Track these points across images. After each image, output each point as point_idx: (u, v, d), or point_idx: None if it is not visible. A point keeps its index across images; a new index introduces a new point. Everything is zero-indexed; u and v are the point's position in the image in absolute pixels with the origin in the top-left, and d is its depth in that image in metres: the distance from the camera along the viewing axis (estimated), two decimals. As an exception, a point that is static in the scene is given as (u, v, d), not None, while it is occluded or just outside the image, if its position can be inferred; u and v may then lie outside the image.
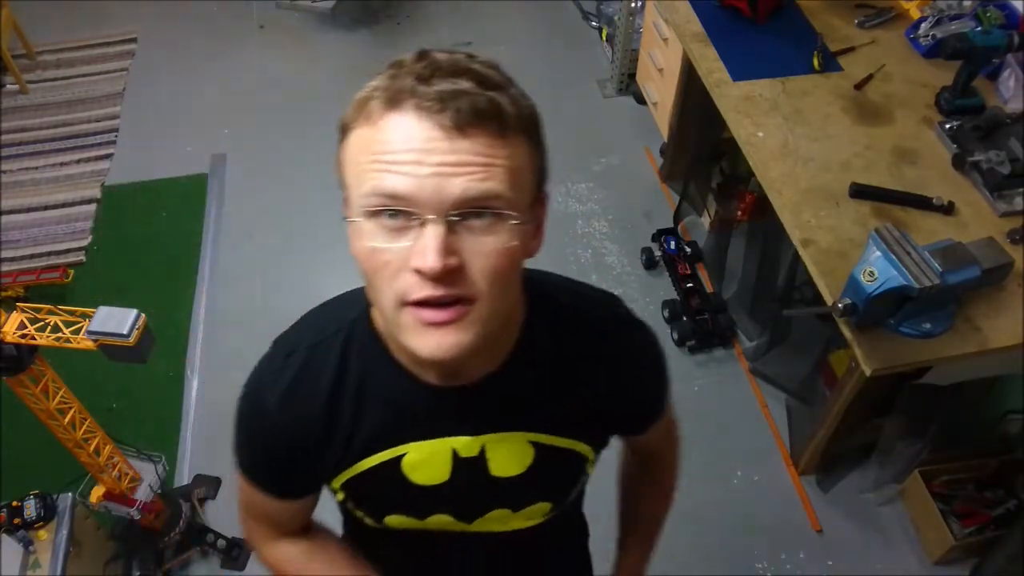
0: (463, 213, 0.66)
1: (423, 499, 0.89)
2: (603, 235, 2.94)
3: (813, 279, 1.85)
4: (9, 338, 1.66)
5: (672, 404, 1.08)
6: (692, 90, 2.61)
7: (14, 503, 1.92)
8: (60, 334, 1.68)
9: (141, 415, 2.49)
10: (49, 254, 2.93)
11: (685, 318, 2.62)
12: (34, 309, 1.70)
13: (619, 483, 1.25)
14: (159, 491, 2.10)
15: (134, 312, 1.66)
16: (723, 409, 2.48)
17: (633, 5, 3.14)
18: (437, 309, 0.68)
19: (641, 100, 3.30)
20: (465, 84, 0.67)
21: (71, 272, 2.82)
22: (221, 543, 2.19)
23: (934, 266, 1.61)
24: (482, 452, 0.86)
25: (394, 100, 0.67)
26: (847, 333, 1.73)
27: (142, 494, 2.04)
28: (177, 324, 2.71)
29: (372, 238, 0.68)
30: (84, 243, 2.95)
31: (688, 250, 2.79)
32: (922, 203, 1.92)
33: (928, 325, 1.71)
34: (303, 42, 3.74)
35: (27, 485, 1.99)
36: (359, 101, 0.70)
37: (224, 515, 2.27)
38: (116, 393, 2.49)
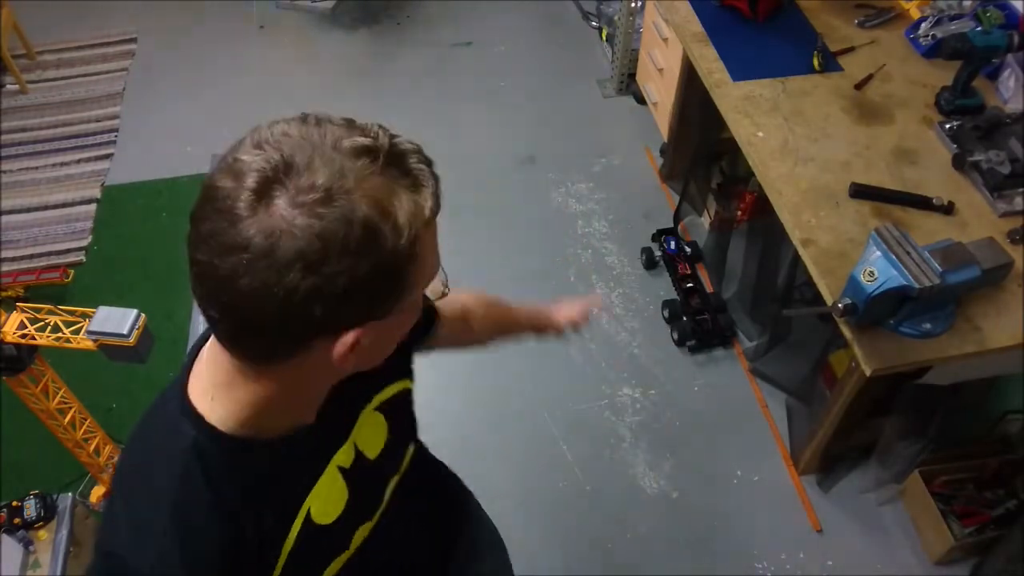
0: None
1: (342, 530, 0.89)
2: (603, 235, 2.94)
3: (813, 279, 1.85)
4: (9, 338, 1.66)
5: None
6: (692, 90, 2.61)
7: (14, 503, 1.93)
8: (60, 334, 1.68)
9: (141, 415, 2.49)
10: (49, 254, 2.93)
11: (685, 318, 2.62)
12: (34, 309, 1.71)
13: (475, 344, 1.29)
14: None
15: (134, 312, 1.66)
16: (723, 409, 2.49)
17: (633, 5, 3.14)
18: None
19: (641, 100, 3.30)
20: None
21: (71, 272, 2.82)
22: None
23: (934, 266, 1.61)
24: (356, 449, 0.90)
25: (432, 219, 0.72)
26: (847, 333, 1.73)
27: (142, 494, 2.04)
28: (177, 324, 2.71)
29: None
30: (84, 243, 2.96)
31: (688, 250, 2.79)
32: (922, 203, 1.92)
33: (928, 325, 1.71)
34: (303, 42, 3.74)
35: (27, 485, 1.99)
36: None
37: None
38: (116, 393, 2.49)
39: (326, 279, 0.62)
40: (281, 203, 0.61)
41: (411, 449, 1.02)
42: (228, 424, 0.76)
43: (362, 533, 0.95)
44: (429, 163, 0.70)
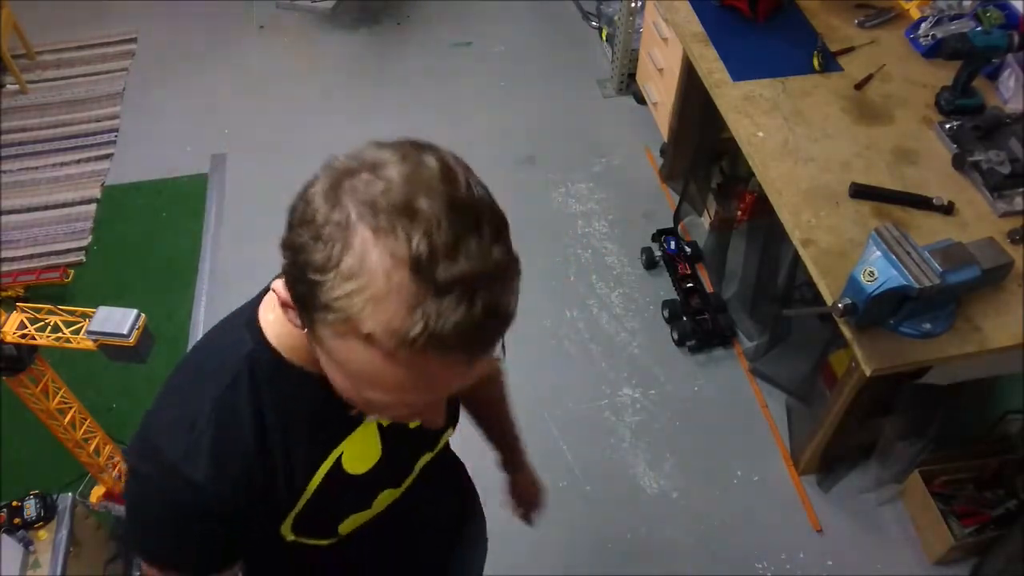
0: None
1: (367, 486, 0.90)
2: (603, 235, 2.94)
3: (813, 279, 1.85)
4: (9, 338, 1.66)
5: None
6: (692, 90, 2.61)
7: (14, 503, 1.92)
8: (60, 334, 1.68)
9: (141, 415, 2.49)
10: (49, 254, 2.93)
11: (685, 318, 2.62)
12: (34, 309, 1.71)
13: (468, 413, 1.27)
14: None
15: (134, 312, 1.66)
16: (723, 409, 2.49)
17: (633, 5, 3.14)
18: None
19: (641, 100, 3.30)
20: (500, 324, 0.62)
21: (71, 272, 2.82)
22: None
23: (934, 266, 1.61)
24: None
25: (442, 346, 0.59)
26: (847, 333, 1.73)
27: (142, 494, 2.04)
28: (177, 324, 2.71)
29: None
30: (84, 243, 2.95)
31: (688, 250, 2.79)
32: (922, 203, 1.92)
33: (928, 325, 1.71)
34: (303, 42, 3.74)
35: (27, 485, 1.99)
36: (391, 331, 0.58)
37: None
38: (116, 393, 2.49)
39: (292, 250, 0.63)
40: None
41: (449, 432, 1.01)
42: (283, 344, 0.80)
43: (385, 499, 0.94)
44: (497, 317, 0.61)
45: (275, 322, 0.80)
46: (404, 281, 0.57)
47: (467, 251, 0.58)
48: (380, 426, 0.89)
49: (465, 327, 0.58)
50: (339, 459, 0.86)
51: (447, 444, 1.05)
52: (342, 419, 0.85)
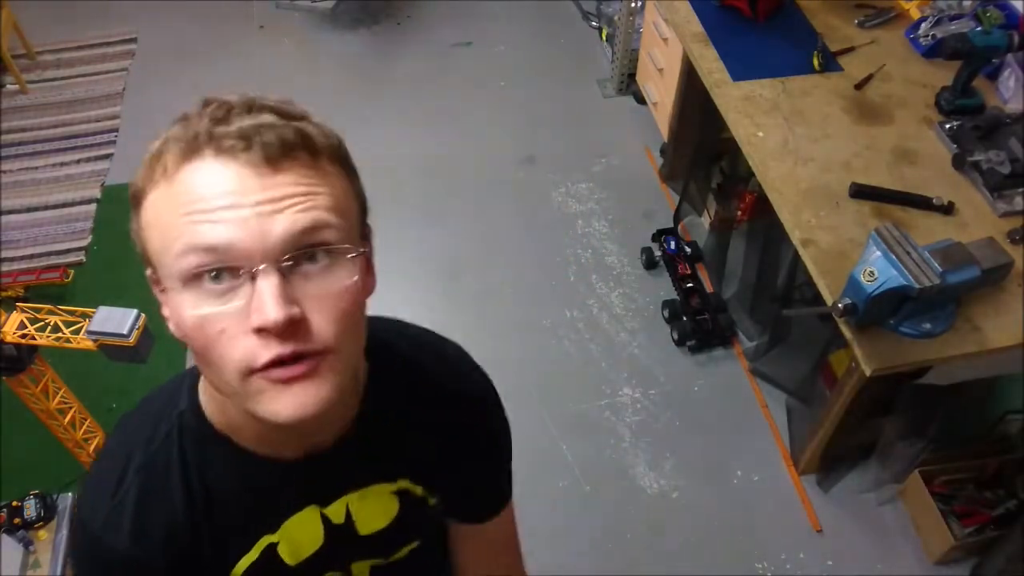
0: (294, 257, 0.60)
1: (309, 571, 0.83)
2: (603, 235, 2.94)
3: (813, 279, 1.85)
4: (9, 338, 1.66)
5: (515, 522, 1.02)
6: (692, 90, 2.61)
7: (14, 503, 1.93)
8: (60, 334, 1.68)
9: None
10: (49, 254, 2.93)
11: (685, 318, 2.62)
12: (34, 309, 1.71)
13: None
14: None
15: (134, 312, 1.66)
16: (723, 409, 2.49)
17: (633, 5, 3.14)
18: (288, 366, 0.61)
19: (641, 100, 3.30)
20: (266, 118, 0.62)
21: (71, 272, 2.82)
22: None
23: (934, 266, 1.61)
24: (348, 515, 0.82)
25: (191, 148, 0.61)
26: (847, 333, 1.73)
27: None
28: (177, 324, 2.70)
29: (198, 306, 0.61)
30: (84, 243, 2.95)
31: (688, 250, 2.79)
32: (922, 203, 1.92)
33: (928, 325, 1.71)
34: (303, 42, 3.74)
35: (27, 485, 1.99)
36: (150, 160, 0.64)
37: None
38: (116, 393, 2.49)
39: None
40: None
41: (412, 545, 0.90)
42: (213, 410, 0.74)
43: None
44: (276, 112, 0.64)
45: (207, 383, 0.73)
46: (173, 128, 0.63)
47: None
48: (324, 518, 0.81)
49: (208, 128, 0.61)
50: (272, 547, 0.79)
51: (411, 557, 0.91)
52: (279, 506, 0.78)
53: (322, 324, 0.62)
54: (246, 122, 0.61)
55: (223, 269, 0.60)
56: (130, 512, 0.73)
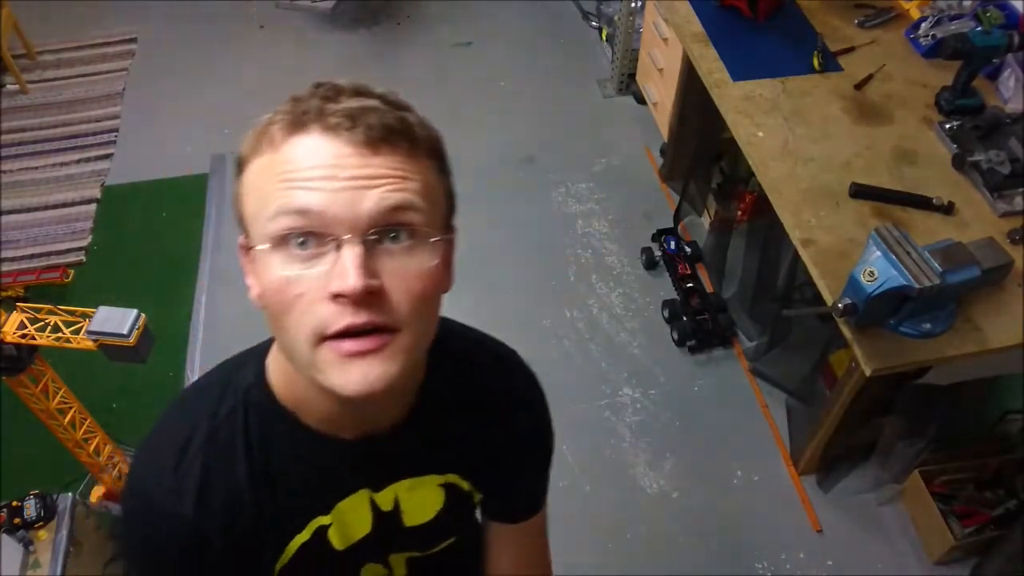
0: (380, 232, 0.63)
1: (352, 558, 0.85)
2: (603, 235, 2.94)
3: (813, 279, 1.85)
4: (9, 338, 1.66)
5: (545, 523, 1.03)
6: (692, 90, 2.61)
7: (14, 503, 1.92)
8: (60, 334, 1.68)
9: (141, 415, 2.49)
10: (49, 254, 2.93)
11: (685, 318, 2.62)
12: (34, 309, 1.71)
13: None
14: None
15: (134, 312, 1.66)
16: (723, 409, 2.49)
17: (633, 5, 3.14)
18: (359, 339, 0.63)
19: (641, 100, 3.30)
20: (372, 102, 0.66)
21: (71, 272, 2.82)
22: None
23: (934, 266, 1.61)
24: (396, 504, 0.84)
25: (298, 123, 0.65)
26: (847, 333, 1.73)
27: (142, 494, 2.04)
28: (177, 324, 2.71)
29: (282, 267, 0.63)
30: (84, 243, 2.95)
31: (688, 250, 2.79)
32: (922, 203, 1.92)
33: (928, 325, 1.71)
34: (303, 42, 3.74)
35: (27, 485, 1.99)
36: (258, 131, 0.67)
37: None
38: (116, 393, 2.49)
39: None
40: None
41: (450, 540, 0.92)
42: (280, 384, 0.76)
43: (370, 573, 0.90)
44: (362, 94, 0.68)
45: (278, 356, 0.75)
46: (283, 104, 0.68)
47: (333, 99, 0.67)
48: (373, 504, 0.82)
49: (318, 106, 0.65)
50: (323, 529, 0.81)
51: (446, 553, 0.93)
52: (333, 485, 0.80)
53: (398, 301, 0.64)
54: (353, 103, 0.65)
55: (311, 234, 0.62)
56: (195, 483, 0.74)
